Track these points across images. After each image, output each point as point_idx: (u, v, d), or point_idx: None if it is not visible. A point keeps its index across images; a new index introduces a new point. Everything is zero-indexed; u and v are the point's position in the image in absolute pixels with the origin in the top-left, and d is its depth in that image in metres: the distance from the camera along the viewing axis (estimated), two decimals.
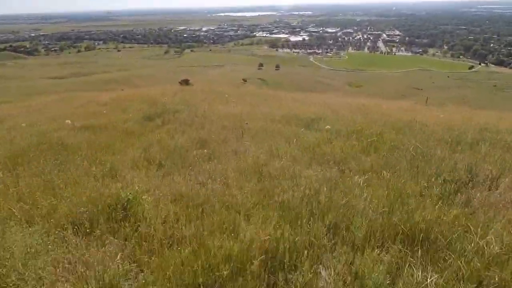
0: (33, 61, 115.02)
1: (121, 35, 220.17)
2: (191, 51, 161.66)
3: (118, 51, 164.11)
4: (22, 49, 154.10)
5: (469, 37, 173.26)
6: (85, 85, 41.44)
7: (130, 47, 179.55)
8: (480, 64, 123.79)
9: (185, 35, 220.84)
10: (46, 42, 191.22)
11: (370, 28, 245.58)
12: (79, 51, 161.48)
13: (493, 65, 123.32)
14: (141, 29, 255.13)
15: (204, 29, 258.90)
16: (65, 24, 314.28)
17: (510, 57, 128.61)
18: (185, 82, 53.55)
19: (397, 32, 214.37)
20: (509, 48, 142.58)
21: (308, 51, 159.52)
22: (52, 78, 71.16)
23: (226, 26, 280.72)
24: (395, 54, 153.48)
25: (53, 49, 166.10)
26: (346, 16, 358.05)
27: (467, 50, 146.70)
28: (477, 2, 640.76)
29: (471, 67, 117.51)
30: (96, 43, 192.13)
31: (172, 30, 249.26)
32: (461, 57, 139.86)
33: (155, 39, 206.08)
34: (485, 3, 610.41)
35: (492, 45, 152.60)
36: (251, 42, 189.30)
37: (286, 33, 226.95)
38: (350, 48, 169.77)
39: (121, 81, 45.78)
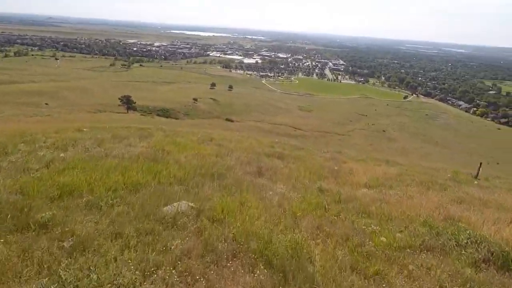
0: None
1: (61, 43, 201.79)
2: (140, 65, 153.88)
3: (56, 59, 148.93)
4: None
5: (401, 71, 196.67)
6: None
7: (70, 56, 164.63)
8: (412, 94, 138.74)
9: (134, 49, 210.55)
10: None
11: (317, 56, 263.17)
12: (6, 56, 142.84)
13: (422, 96, 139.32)
14: (86, 39, 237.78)
15: (156, 44, 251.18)
16: None
17: (435, 90, 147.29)
18: (126, 99, 48.63)
19: (342, 62, 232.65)
20: (434, 82, 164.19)
21: (261, 73, 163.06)
22: None
23: (179, 43, 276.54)
24: (340, 81, 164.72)
25: None
26: (296, 43, 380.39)
27: (401, 81, 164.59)
28: (405, 41, 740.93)
29: (405, 97, 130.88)
30: (30, 49, 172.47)
31: (121, 43, 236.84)
32: (396, 87, 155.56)
33: (101, 50, 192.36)
34: (412, 42, 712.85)
35: (420, 78, 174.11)
36: (204, 61, 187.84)
37: (240, 55, 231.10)
38: (300, 73, 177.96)
39: (48, 93, 39.48)
